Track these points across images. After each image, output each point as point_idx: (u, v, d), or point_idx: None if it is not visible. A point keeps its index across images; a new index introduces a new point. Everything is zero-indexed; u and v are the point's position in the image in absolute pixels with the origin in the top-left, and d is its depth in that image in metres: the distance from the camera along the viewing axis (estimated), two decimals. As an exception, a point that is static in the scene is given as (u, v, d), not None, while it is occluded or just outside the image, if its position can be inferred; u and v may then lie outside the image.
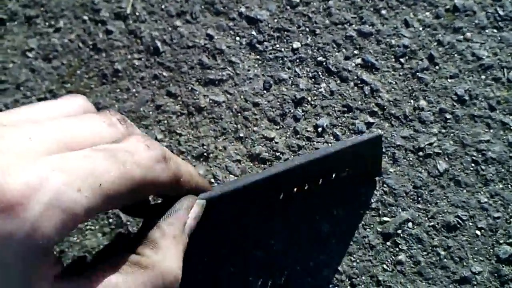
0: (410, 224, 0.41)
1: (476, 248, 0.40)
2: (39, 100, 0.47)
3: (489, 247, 0.40)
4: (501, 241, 0.40)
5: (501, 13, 0.48)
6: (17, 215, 0.22)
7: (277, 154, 0.44)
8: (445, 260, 0.40)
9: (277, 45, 0.48)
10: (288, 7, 0.49)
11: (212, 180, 0.43)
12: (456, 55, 0.47)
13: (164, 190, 0.30)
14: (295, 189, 0.40)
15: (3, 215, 0.22)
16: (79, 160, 0.25)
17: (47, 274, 0.24)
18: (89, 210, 0.25)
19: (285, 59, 0.47)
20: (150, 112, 0.46)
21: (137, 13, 0.50)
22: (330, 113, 0.45)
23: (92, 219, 0.43)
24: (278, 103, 0.46)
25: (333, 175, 0.40)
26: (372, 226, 0.41)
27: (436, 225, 0.41)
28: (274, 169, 0.36)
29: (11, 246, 0.22)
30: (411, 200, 0.42)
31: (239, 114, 0.46)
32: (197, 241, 0.40)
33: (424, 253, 0.40)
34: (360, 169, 0.41)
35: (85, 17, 0.51)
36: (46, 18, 0.51)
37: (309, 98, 0.46)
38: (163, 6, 0.50)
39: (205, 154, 0.44)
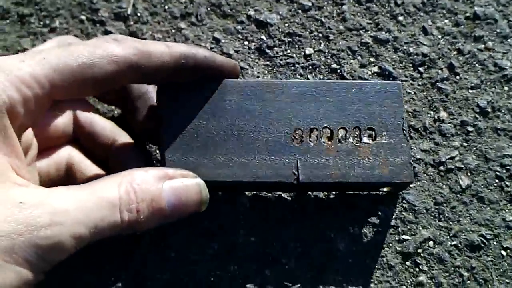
0: (431, 243, 0.40)
1: (501, 269, 0.39)
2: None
3: (515, 269, 0.39)
4: (527, 263, 0.39)
5: (523, 22, 0.47)
6: None
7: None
8: (469, 281, 0.39)
9: (288, 51, 0.46)
10: (299, 11, 0.48)
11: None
12: (477, 65, 0.45)
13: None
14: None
15: None
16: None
17: None
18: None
19: (297, 65, 0.46)
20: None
21: (138, 14, 0.48)
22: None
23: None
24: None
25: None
26: (391, 244, 0.40)
27: (459, 244, 0.40)
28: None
29: None
30: (432, 218, 0.40)
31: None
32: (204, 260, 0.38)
33: (446, 274, 0.39)
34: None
35: (83, 17, 0.49)
36: (41, 17, 0.49)
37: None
38: (166, 7, 0.48)
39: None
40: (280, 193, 0.41)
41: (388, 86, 0.37)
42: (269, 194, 0.41)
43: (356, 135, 0.36)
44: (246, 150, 0.35)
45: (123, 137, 0.38)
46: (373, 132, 0.36)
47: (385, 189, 0.40)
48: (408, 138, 0.36)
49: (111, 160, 0.38)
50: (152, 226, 0.31)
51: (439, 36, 0.47)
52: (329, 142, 0.36)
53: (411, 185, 0.41)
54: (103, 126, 0.38)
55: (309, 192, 0.41)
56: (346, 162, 0.36)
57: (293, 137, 0.36)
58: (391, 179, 0.36)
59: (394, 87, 0.37)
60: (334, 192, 0.41)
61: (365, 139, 0.36)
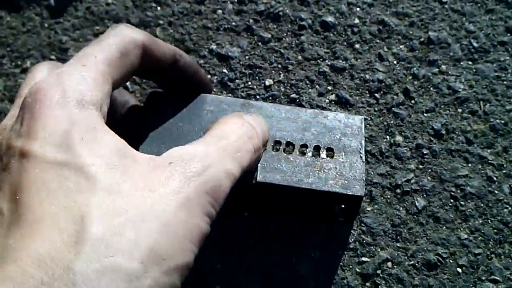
0: (389, 264, 0.42)
1: (458, 286, 0.41)
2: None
3: (471, 285, 0.41)
4: (483, 278, 0.41)
5: (475, 45, 0.50)
6: None
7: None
8: (427, 300, 0.41)
9: (249, 83, 0.49)
10: (259, 43, 0.50)
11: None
12: (431, 88, 0.48)
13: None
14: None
15: None
16: None
17: None
18: None
19: (258, 96, 0.48)
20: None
21: (105, 52, 0.51)
22: (305, 151, 0.46)
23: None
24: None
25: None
26: (351, 267, 0.42)
27: (416, 264, 0.42)
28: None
29: None
30: (389, 239, 0.43)
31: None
32: None
33: (405, 293, 0.41)
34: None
35: (53, 57, 0.51)
36: (13, 58, 0.52)
37: (284, 136, 0.46)
38: (132, 45, 0.51)
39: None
40: (244, 213, 0.43)
41: (351, 118, 0.40)
42: (233, 222, 0.43)
43: (315, 152, 0.39)
44: None
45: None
46: (332, 152, 0.39)
47: (338, 209, 0.42)
48: (364, 159, 0.39)
49: None
50: (261, 156, 0.35)
51: (395, 62, 0.49)
52: (290, 154, 0.39)
53: (368, 209, 0.43)
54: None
55: (270, 217, 0.43)
56: (303, 171, 0.38)
57: None
58: (342, 190, 0.38)
59: (357, 120, 0.40)
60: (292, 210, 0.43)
61: (323, 155, 0.39)
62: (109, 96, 0.31)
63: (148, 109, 0.39)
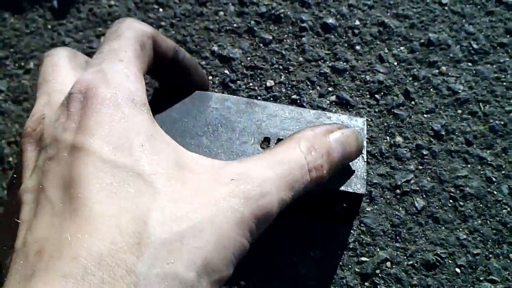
0: (388, 264, 0.42)
1: (456, 286, 0.41)
2: (9, 144, 0.48)
3: (470, 285, 0.41)
4: (481, 278, 0.41)
5: (475, 46, 0.50)
6: None
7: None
8: (425, 299, 0.41)
9: (251, 84, 0.49)
10: (261, 45, 0.51)
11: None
12: (431, 89, 0.48)
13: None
14: None
15: None
16: None
17: None
18: None
19: (259, 97, 0.49)
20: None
21: (108, 54, 0.51)
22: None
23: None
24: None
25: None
26: (350, 266, 0.42)
27: (415, 264, 0.42)
28: None
29: None
30: (389, 239, 0.43)
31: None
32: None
33: (404, 293, 0.41)
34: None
35: (56, 58, 0.52)
36: (16, 59, 0.52)
37: (284, 137, 0.47)
38: (134, 46, 0.52)
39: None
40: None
41: (353, 119, 0.41)
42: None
43: None
44: (216, 146, 0.39)
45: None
46: None
47: (339, 208, 0.42)
48: (366, 160, 0.39)
49: None
50: (327, 178, 0.33)
51: (395, 63, 0.50)
52: None
53: (368, 209, 0.44)
54: None
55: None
56: None
57: (261, 142, 0.39)
58: (344, 188, 0.38)
59: (359, 122, 0.40)
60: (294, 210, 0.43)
61: None
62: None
63: (153, 105, 0.40)
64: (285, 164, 0.30)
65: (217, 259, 0.25)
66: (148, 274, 0.22)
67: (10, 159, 0.47)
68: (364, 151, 0.39)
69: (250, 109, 0.41)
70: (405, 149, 0.46)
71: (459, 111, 0.48)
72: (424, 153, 0.46)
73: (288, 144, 0.32)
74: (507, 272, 0.42)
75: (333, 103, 0.48)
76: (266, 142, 0.39)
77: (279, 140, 0.39)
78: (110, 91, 0.28)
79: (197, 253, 0.24)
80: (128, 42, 0.31)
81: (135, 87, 0.29)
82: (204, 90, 0.41)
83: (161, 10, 0.54)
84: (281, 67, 0.50)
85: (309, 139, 0.32)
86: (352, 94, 0.48)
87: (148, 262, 0.23)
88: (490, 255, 0.42)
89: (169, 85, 0.41)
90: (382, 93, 0.48)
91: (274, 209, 0.29)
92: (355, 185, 0.38)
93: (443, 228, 0.43)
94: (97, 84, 0.28)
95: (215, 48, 0.51)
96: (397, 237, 0.43)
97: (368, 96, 0.48)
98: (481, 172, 0.45)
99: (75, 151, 0.26)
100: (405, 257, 0.42)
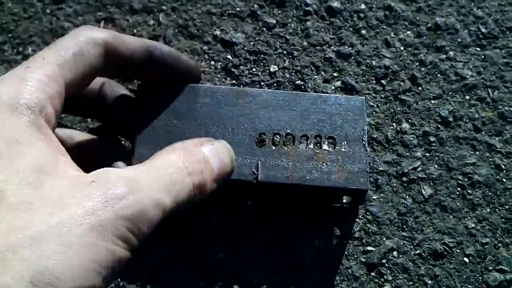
0: (395, 253, 0.42)
1: (464, 276, 0.41)
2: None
3: (478, 275, 0.41)
4: (490, 268, 0.41)
5: (483, 30, 0.49)
6: None
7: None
8: (433, 289, 0.41)
9: (254, 69, 0.48)
10: (264, 29, 0.50)
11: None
12: (439, 75, 0.47)
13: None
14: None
15: None
16: None
17: None
18: None
19: (262, 83, 0.48)
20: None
21: (108, 38, 0.50)
22: (310, 138, 0.45)
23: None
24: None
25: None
26: (355, 256, 0.42)
27: (423, 253, 0.41)
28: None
29: None
30: (395, 228, 0.42)
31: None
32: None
33: (410, 283, 0.41)
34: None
35: (54, 43, 0.51)
36: (14, 44, 0.51)
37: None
38: (135, 30, 0.51)
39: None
40: (248, 202, 0.43)
41: (352, 100, 0.40)
42: (236, 211, 0.43)
43: (316, 142, 0.38)
44: None
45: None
46: (333, 141, 0.39)
47: (345, 200, 0.41)
48: (367, 149, 0.38)
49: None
50: (210, 191, 0.33)
51: (402, 48, 0.49)
52: (290, 147, 0.38)
53: (374, 197, 0.43)
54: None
55: (274, 206, 0.43)
56: (305, 166, 0.38)
57: (256, 140, 0.38)
58: (346, 185, 0.37)
59: (358, 102, 0.39)
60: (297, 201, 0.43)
61: (325, 146, 0.38)
62: (60, 97, 0.30)
63: (139, 103, 0.39)
64: (161, 167, 0.30)
65: (64, 268, 0.24)
66: None
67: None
68: (365, 138, 0.38)
69: (241, 100, 0.39)
70: (412, 135, 0.45)
71: (467, 97, 0.46)
72: (432, 140, 0.45)
73: (165, 152, 0.32)
74: (517, 262, 0.41)
75: (338, 88, 0.47)
76: (262, 137, 0.39)
77: (275, 134, 0.39)
78: None
79: (33, 262, 0.23)
80: (55, 49, 0.31)
81: (26, 91, 0.28)
82: (195, 78, 0.40)
83: (162, -6, 0.53)
84: (285, 52, 0.49)
85: (183, 148, 0.33)
86: (358, 80, 0.47)
87: None
88: (499, 244, 0.41)
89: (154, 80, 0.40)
90: (388, 78, 0.47)
91: (149, 209, 0.27)
92: (358, 180, 0.37)
93: (451, 216, 0.42)
94: None
95: (218, 32, 0.50)
96: (404, 226, 0.42)
97: (374, 81, 0.47)
98: (490, 159, 0.44)
99: None
100: (412, 247, 0.42)
